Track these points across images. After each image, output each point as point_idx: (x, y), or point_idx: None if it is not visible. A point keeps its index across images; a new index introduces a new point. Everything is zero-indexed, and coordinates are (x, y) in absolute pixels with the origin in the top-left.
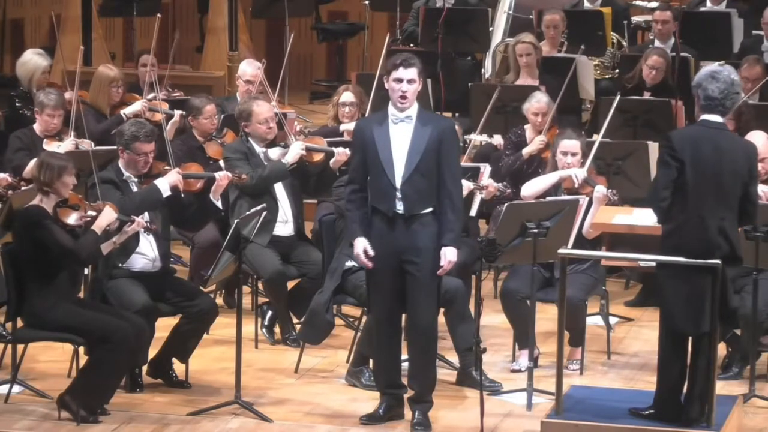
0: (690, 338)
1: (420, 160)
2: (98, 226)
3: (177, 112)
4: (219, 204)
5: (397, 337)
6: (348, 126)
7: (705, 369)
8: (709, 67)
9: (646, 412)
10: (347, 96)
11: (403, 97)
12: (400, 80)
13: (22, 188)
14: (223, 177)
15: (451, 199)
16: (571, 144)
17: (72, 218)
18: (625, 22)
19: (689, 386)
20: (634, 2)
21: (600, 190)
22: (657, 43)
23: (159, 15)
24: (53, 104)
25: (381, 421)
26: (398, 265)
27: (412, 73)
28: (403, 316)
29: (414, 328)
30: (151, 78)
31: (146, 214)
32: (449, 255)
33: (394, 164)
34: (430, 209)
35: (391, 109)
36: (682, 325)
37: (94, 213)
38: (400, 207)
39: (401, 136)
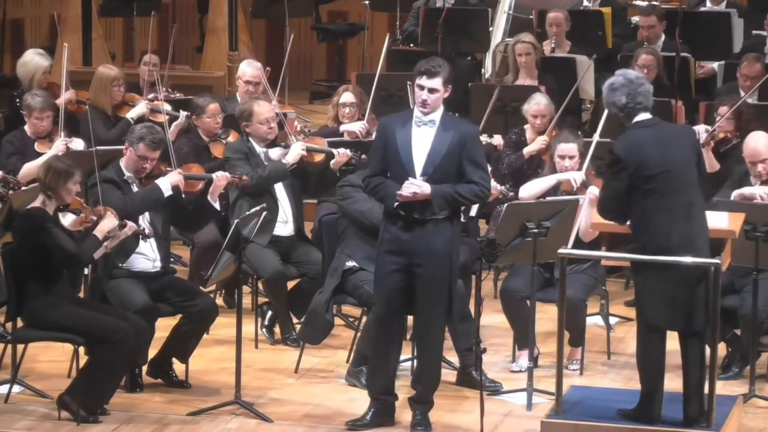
0: (678, 338)
1: (439, 164)
2: (100, 231)
3: (182, 113)
4: (217, 205)
5: (397, 342)
6: (348, 126)
7: (697, 366)
8: (605, 83)
9: (629, 412)
10: (347, 96)
11: (424, 104)
12: (422, 87)
13: (23, 188)
14: (220, 177)
15: (477, 184)
16: (568, 147)
17: (72, 222)
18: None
19: (685, 385)
20: (634, 2)
21: (593, 191)
22: (645, 44)
23: (154, 12)
24: (40, 106)
25: (368, 427)
26: (408, 267)
27: (434, 83)
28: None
29: (423, 331)
30: (152, 77)
31: (147, 216)
32: (426, 188)
33: (414, 166)
34: (446, 214)
35: (416, 110)
36: (656, 320)
37: (94, 218)
38: (416, 208)
39: (423, 139)
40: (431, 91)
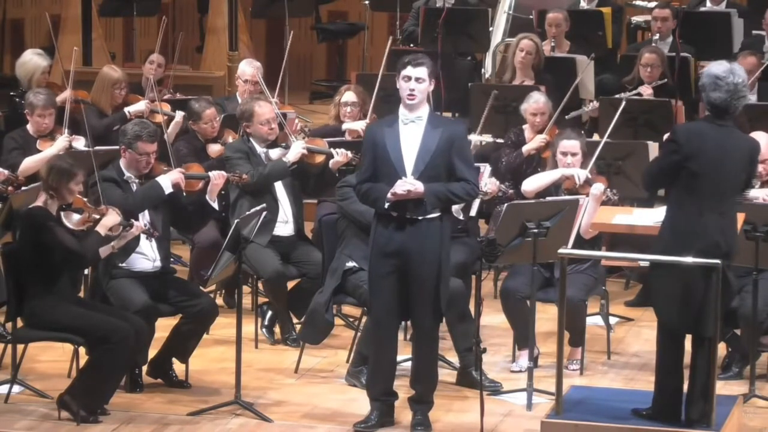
0: (691, 338)
1: (430, 160)
2: (103, 227)
3: (179, 113)
4: (215, 205)
5: (395, 342)
6: (351, 125)
7: (705, 369)
8: (715, 68)
9: (645, 412)
10: (349, 96)
11: (411, 95)
12: (408, 78)
13: (23, 188)
14: (217, 176)
15: (469, 182)
16: (570, 144)
17: (75, 221)
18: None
19: (690, 387)
20: (634, 2)
21: (598, 187)
22: (656, 37)
23: (165, 18)
24: (42, 104)
25: (375, 428)
26: (402, 268)
27: (420, 72)
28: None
29: (418, 331)
30: (157, 76)
31: (147, 216)
32: (419, 187)
33: (405, 164)
34: (438, 213)
35: (401, 109)
36: (677, 323)
37: (97, 216)
38: (408, 208)
39: (411, 137)
40: (418, 80)
